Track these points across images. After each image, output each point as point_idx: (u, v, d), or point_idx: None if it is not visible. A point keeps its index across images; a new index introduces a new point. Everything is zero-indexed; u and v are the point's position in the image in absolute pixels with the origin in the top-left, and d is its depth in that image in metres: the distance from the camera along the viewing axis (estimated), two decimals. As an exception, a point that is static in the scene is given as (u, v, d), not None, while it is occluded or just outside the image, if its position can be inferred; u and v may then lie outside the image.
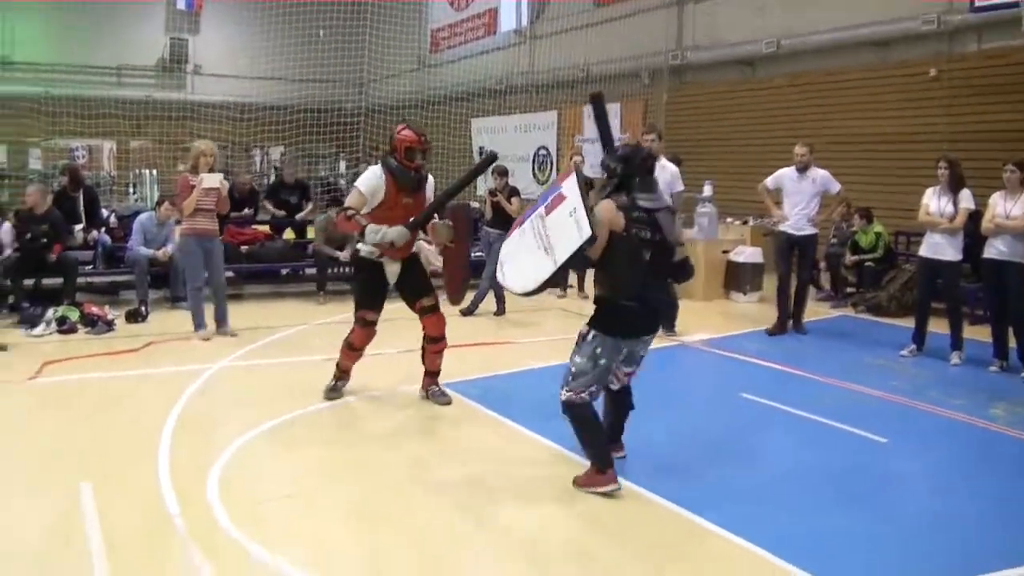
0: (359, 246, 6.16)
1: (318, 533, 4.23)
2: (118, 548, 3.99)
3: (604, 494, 4.67)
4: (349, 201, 6.13)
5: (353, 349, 6.49)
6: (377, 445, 5.57)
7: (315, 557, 3.95)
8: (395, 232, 5.91)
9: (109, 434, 5.63)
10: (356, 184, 6.16)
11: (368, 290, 6.36)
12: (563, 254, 4.41)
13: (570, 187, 4.48)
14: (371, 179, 6.07)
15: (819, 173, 9.12)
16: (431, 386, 6.54)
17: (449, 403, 6.41)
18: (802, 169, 9.10)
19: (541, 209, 4.64)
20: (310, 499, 4.66)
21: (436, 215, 6.27)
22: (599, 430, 4.81)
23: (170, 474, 4.90)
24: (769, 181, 9.43)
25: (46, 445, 5.42)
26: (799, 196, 9.10)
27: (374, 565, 3.91)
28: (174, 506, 4.47)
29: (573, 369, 4.71)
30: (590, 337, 4.68)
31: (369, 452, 5.42)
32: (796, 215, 9.12)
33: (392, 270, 6.33)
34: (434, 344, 6.46)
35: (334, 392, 6.54)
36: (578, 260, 4.46)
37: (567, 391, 4.72)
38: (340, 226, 6.20)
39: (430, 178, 6.47)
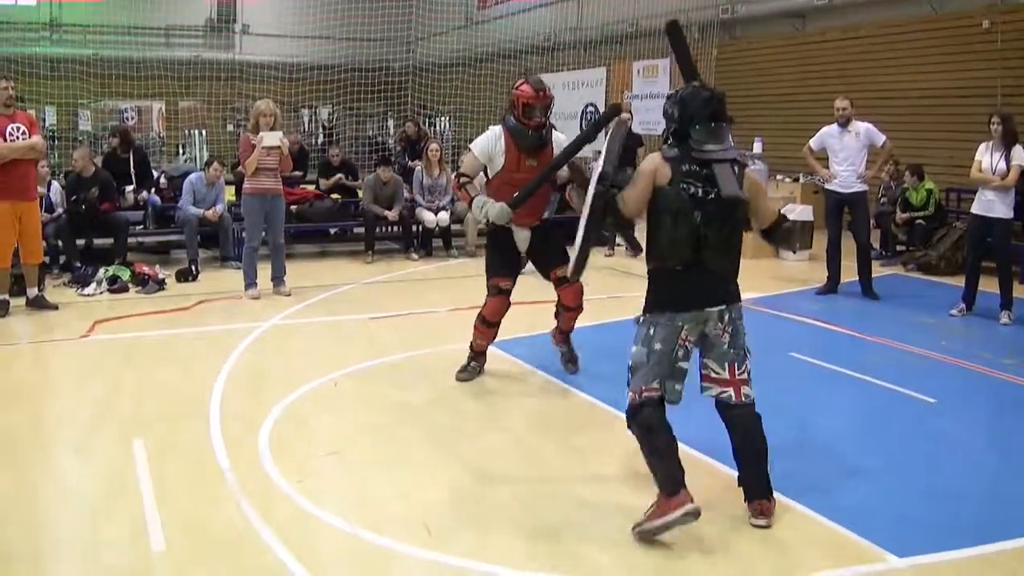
0: (483, 210, 5.49)
1: (366, 489, 4.28)
2: (170, 501, 4.09)
3: (678, 521, 3.66)
4: (463, 166, 5.74)
5: (488, 324, 5.91)
6: (423, 404, 5.59)
7: (361, 512, 4.01)
8: (495, 210, 5.38)
9: (161, 391, 5.75)
10: (471, 146, 5.76)
11: (498, 256, 5.81)
12: (586, 207, 3.86)
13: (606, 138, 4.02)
14: (487, 140, 5.65)
15: (862, 126, 8.91)
16: (561, 344, 6.18)
17: (575, 371, 6.11)
18: (844, 124, 8.90)
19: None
20: (356, 455, 4.72)
21: (558, 181, 5.50)
22: (666, 444, 3.80)
23: (221, 430, 5.00)
24: (812, 142, 9.24)
25: (99, 402, 5.55)
26: (845, 152, 8.90)
27: (418, 519, 3.96)
28: (224, 461, 4.57)
29: (630, 363, 3.93)
30: (641, 319, 3.94)
31: (415, 411, 5.45)
32: (844, 172, 8.93)
33: (522, 236, 5.81)
34: (569, 312, 6.00)
35: (466, 374, 6.00)
36: (604, 213, 3.79)
37: (629, 393, 3.92)
38: (456, 192, 5.79)
39: (557, 135, 5.78)
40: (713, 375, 3.95)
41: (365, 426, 5.16)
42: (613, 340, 6.78)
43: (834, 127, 8.99)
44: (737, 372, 3.93)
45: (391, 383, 6.00)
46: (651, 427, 3.81)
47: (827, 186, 9.15)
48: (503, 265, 5.79)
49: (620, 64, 18.81)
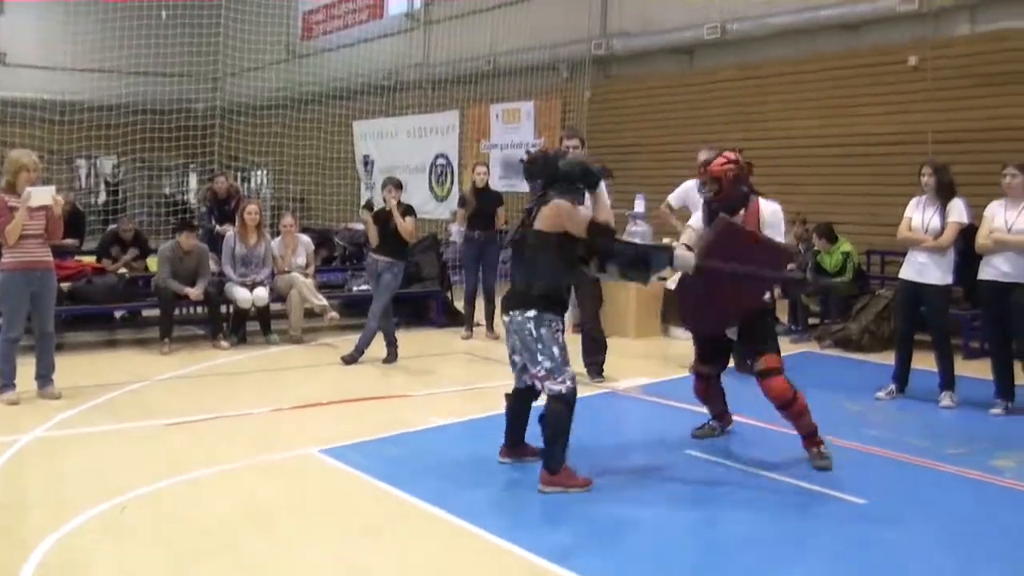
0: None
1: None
2: None
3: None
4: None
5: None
6: (235, 527, 5.39)
7: None
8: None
9: None
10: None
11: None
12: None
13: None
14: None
15: None
16: (810, 448, 6.57)
17: (828, 468, 6.40)
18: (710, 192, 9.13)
19: None
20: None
21: None
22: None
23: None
24: (672, 199, 9.49)
25: None
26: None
27: None
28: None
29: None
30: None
31: (224, 538, 5.23)
32: None
33: None
34: (783, 412, 6.60)
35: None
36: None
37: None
38: None
39: None
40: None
41: (160, 563, 4.89)
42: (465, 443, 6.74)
43: (698, 182, 9.21)
44: (532, 370, 5.97)
45: (195, 506, 5.75)
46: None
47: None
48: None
49: (476, 107, 19.11)
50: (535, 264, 5.95)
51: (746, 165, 6.56)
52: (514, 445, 6.43)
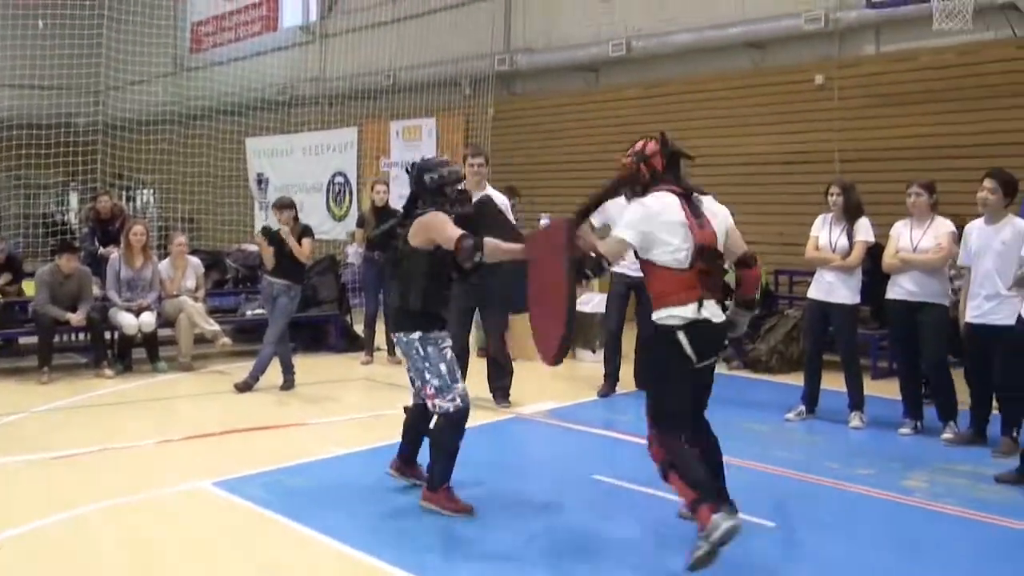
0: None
1: None
2: None
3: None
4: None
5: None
6: (122, 569, 5.29)
7: None
8: None
9: None
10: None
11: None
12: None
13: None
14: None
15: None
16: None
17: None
18: (630, 196, 9.25)
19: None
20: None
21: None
22: None
23: None
24: (594, 218, 9.57)
25: None
26: None
27: None
28: None
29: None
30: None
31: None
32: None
33: None
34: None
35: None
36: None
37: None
38: None
39: None
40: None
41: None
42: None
43: (621, 199, 9.30)
44: (422, 388, 6.06)
45: (77, 546, 5.63)
46: None
47: (615, 268, 9.42)
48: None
49: (375, 123, 19.07)
50: (409, 279, 6.06)
51: (658, 158, 5.89)
52: (405, 462, 6.47)
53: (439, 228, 5.92)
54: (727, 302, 5.52)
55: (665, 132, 5.96)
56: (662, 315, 5.26)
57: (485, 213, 6.58)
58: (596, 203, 6.02)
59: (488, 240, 5.91)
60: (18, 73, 20.03)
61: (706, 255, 5.32)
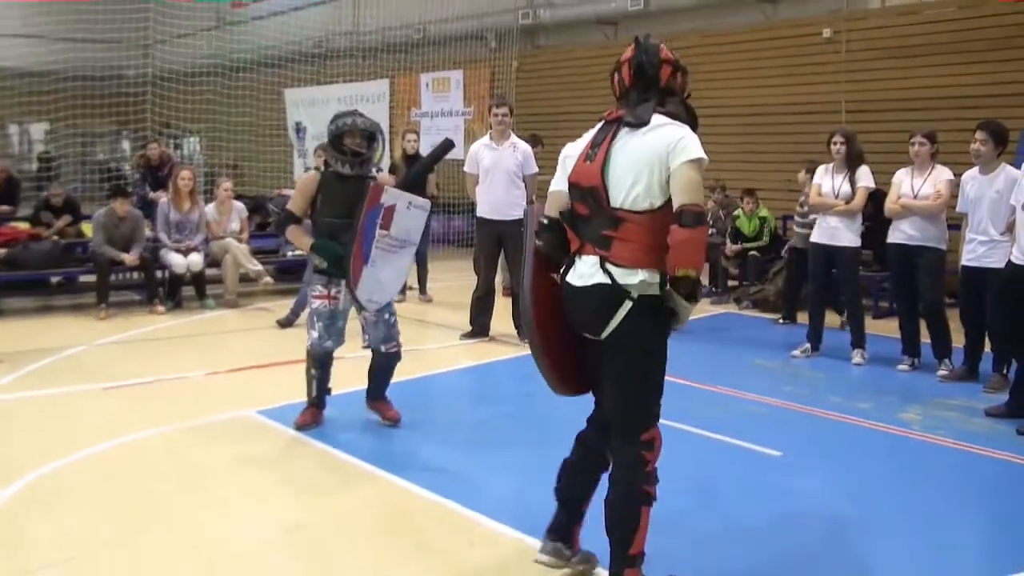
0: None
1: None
2: None
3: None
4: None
5: None
6: (173, 490, 5.35)
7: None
8: None
9: None
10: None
11: None
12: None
13: (391, 196, 5.96)
14: None
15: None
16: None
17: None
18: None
19: (377, 233, 5.89)
20: (93, 569, 4.40)
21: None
22: None
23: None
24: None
25: None
26: None
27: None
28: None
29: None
30: None
31: (164, 505, 5.18)
32: None
33: None
34: None
35: None
36: None
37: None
38: None
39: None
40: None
41: (101, 529, 4.84)
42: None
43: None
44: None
45: (133, 470, 5.69)
46: None
47: None
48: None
49: (406, 76, 18.96)
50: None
51: (626, 68, 4.40)
52: (372, 397, 6.58)
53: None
54: (616, 264, 3.83)
55: (643, 37, 4.34)
56: None
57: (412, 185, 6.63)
58: None
59: (292, 228, 6.21)
60: (68, 27, 19.98)
61: (575, 194, 3.96)
